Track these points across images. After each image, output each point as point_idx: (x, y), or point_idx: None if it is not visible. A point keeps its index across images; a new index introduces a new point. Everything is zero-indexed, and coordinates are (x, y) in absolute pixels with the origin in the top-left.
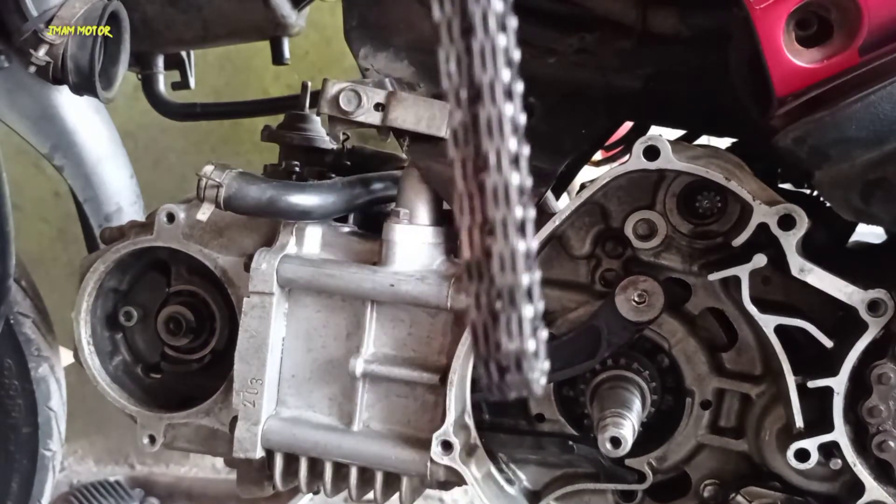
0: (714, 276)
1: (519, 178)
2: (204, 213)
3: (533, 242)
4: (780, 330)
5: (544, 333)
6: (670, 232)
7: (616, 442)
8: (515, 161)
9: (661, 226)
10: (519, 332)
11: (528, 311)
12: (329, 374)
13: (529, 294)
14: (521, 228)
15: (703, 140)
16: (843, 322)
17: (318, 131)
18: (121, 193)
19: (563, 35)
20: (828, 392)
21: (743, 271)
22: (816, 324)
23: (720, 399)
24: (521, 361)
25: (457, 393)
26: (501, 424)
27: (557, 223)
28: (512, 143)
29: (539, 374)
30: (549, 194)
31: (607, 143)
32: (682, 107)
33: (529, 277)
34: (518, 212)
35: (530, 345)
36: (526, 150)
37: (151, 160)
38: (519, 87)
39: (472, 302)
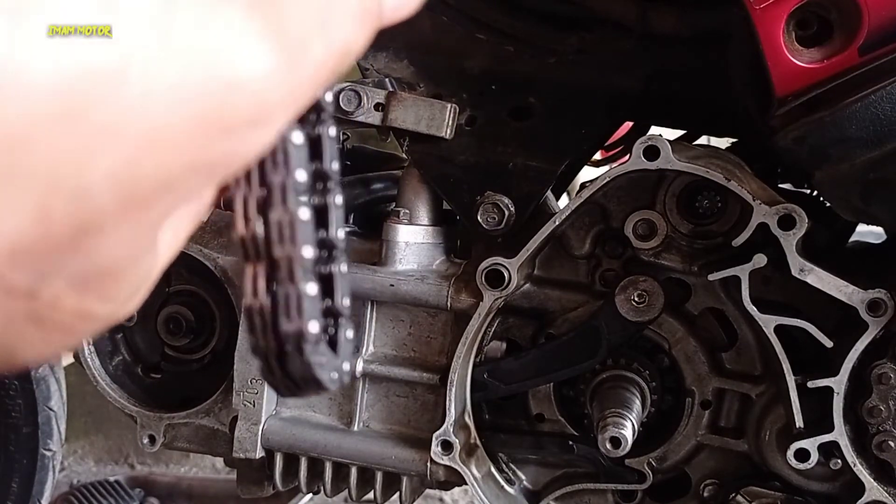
0: (714, 276)
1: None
2: None
3: (306, 211)
4: (780, 330)
5: (345, 321)
6: (670, 232)
7: (616, 442)
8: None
9: (661, 226)
10: (298, 311)
11: (312, 288)
12: None
13: (317, 271)
14: (302, 192)
15: (703, 140)
16: (843, 322)
17: None
18: None
19: (563, 35)
20: (828, 392)
21: (743, 271)
22: (816, 324)
23: (720, 399)
24: (301, 345)
25: (457, 393)
26: (501, 424)
27: (557, 223)
28: None
29: (328, 360)
30: (549, 194)
31: (607, 143)
32: (682, 107)
33: (312, 250)
34: (299, 175)
35: (312, 326)
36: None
37: None
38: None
39: (247, 279)
